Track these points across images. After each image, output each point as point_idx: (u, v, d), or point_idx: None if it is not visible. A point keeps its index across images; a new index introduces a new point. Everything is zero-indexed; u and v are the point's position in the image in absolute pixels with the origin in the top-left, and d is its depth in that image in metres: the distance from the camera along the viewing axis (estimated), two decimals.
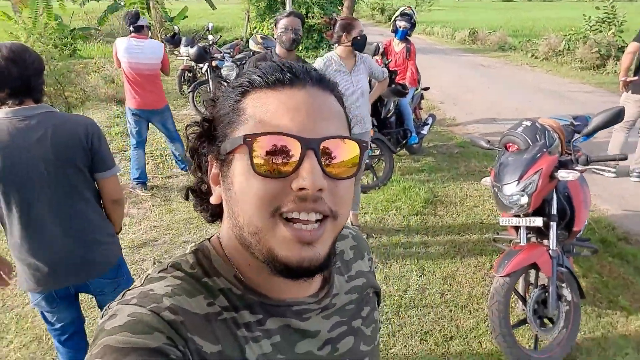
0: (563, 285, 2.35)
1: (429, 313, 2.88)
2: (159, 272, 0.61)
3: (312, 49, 13.60)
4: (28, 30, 8.15)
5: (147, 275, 0.61)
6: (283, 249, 0.54)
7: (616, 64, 10.88)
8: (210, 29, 7.43)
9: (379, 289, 0.82)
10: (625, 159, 2.22)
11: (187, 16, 15.52)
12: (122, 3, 14.78)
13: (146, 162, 5.32)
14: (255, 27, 14.05)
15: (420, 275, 3.23)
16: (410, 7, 5.09)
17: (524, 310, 2.45)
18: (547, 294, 2.31)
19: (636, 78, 4.63)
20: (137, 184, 4.64)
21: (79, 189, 1.80)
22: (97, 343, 0.51)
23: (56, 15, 13.11)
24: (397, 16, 4.97)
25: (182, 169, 5.14)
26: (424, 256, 3.47)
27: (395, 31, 5.03)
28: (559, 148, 2.54)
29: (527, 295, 2.49)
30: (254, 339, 0.59)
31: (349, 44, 3.09)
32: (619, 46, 11.13)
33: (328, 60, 3.19)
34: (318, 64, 3.21)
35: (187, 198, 0.70)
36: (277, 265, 0.55)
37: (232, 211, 0.58)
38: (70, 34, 13.40)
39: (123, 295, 0.58)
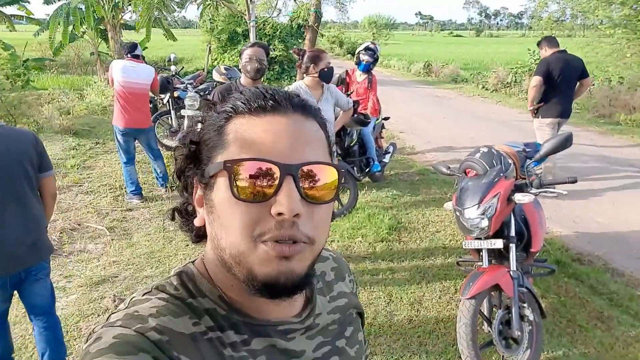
0: (525, 305, 2.43)
1: (399, 339, 2.88)
2: (143, 295, 0.61)
3: (274, 80, 13.80)
4: None
5: (132, 298, 0.61)
6: (261, 266, 0.55)
7: None
8: (172, 59, 7.43)
9: (362, 310, 0.83)
10: (575, 181, 2.37)
11: (147, 47, 15.43)
12: (78, 34, 14.56)
13: (105, 194, 5.19)
14: (216, 59, 14.15)
15: (388, 302, 3.25)
16: (374, 43, 5.31)
17: (489, 331, 2.51)
18: (510, 315, 2.38)
19: (542, 104, 5.29)
20: (134, 195, 5.03)
21: (34, 184, 2.24)
22: None
23: (8, 45, 12.75)
24: (361, 50, 5.17)
25: (161, 186, 5.39)
26: (391, 282, 3.50)
27: (358, 63, 5.21)
28: (514, 173, 2.67)
29: (491, 316, 2.55)
30: (240, 358, 0.59)
31: (317, 75, 3.19)
32: None
33: (296, 89, 3.29)
34: None
35: (173, 218, 0.72)
36: (255, 284, 0.56)
37: (214, 234, 0.60)
38: (23, 65, 13.01)
39: (107, 319, 0.57)
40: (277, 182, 0.55)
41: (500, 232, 2.55)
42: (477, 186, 2.50)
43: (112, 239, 4.19)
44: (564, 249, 4.06)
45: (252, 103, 0.59)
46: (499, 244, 2.46)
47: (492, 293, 2.56)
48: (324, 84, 3.31)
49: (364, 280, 3.51)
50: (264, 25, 12.17)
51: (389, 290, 3.38)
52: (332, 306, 0.75)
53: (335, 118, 3.68)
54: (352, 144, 4.94)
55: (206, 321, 0.60)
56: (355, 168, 4.91)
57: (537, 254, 2.75)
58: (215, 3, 4.01)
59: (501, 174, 2.48)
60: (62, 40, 13.83)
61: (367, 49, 5.13)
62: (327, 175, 0.58)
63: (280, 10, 11.50)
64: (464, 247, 2.66)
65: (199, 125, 0.64)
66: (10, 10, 14.74)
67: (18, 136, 2.18)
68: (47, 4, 14.11)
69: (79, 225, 4.44)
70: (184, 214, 0.70)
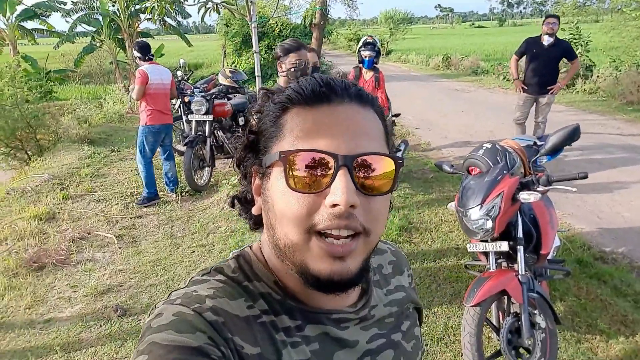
0: (536, 311, 2.25)
1: None
2: (202, 275, 0.63)
3: None
4: None
5: (192, 278, 0.63)
6: (315, 262, 0.56)
7: (585, 82, 11.16)
8: (182, 65, 7.43)
9: (420, 305, 0.82)
10: (585, 177, 2.17)
11: (163, 54, 15.65)
12: (98, 44, 14.87)
13: (116, 202, 5.21)
14: (233, 62, 14.17)
15: None
16: (372, 37, 5.15)
17: (499, 340, 2.34)
18: (520, 322, 2.21)
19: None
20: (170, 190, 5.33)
21: None
22: (144, 340, 0.53)
23: (29, 57, 13.08)
24: (360, 47, 5.04)
25: (171, 191, 5.37)
26: None
27: (361, 61, 5.07)
28: (522, 169, 2.49)
29: (500, 324, 2.38)
30: (292, 344, 0.59)
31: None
32: (587, 65, 11.45)
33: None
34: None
35: (232, 205, 0.73)
36: (309, 278, 0.57)
37: (270, 223, 0.60)
38: (45, 77, 13.36)
39: (169, 296, 0.60)
40: (331, 172, 0.54)
41: (507, 234, 2.37)
42: (480, 185, 2.33)
43: (119, 247, 4.19)
44: (585, 247, 3.81)
45: (308, 93, 0.59)
46: (504, 246, 2.29)
47: (502, 299, 2.39)
48: None
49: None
50: (275, 25, 12.11)
51: None
52: (388, 299, 0.74)
53: None
54: None
55: (261, 305, 0.60)
56: None
57: (549, 256, 2.55)
58: (215, 6, 3.99)
59: (505, 171, 2.31)
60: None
61: (366, 43, 4.99)
62: (384, 166, 0.57)
63: (289, 8, 11.39)
64: (468, 249, 2.50)
65: (257, 115, 0.65)
66: (31, 24, 15.16)
67: None
68: (66, 16, 14.42)
69: (88, 234, 4.46)
70: (243, 201, 0.71)
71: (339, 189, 0.53)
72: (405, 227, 4.25)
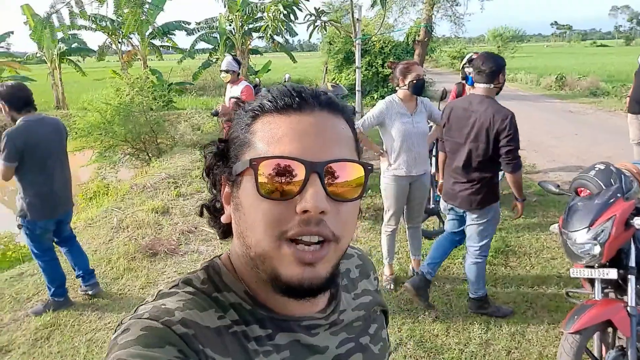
0: None
1: None
2: (170, 288, 0.62)
3: None
4: (129, 85, 9.19)
5: (159, 291, 0.62)
6: (285, 269, 0.56)
7: None
8: (287, 79, 7.89)
9: (386, 308, 0.83)
10: None
11: (270, 69, 16.61)
12: (214, 60, 16.26)
13: None
14: (334, 78, 14.62)
15: (485, 330, 2.99)
16: (477, 53, 5.04)
17: None
18: (625, 357, 2.02)
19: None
20: None
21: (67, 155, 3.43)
22: (110, 357, 0.52)
23: (156, 71, 14.67)
24: (464, 64, 4.96)
25: None
26: None
27: (465, 78, 4.99)
28: (639, 195, 2.29)
29: (602, 357, 2.19)
30: (264, 352, 0.60)
31: (406, 87, 3.14)
32: None
33: (390, 102, 3.25)
34: (380, 105, 3.28)
35: (201, 215, 0.72)
36: (280, 285, 0.57)
37: (241, 231, 0.60)
38: (168, 88, 14.91)
39: (136, 310, 0.59)
40: (302, 179, 0.54)
41: (617, 261, 2.19)
42: (589, 207, 2.19)
43: (221, 243, 4.53)
44: None
45: (279, 101, 0.59)
46: (612, 274, 2.11)
47: (607, 330, 2.20)
48: (418, 96, 3.24)
49: (460, 304, 3.28)
50: (377, 42, 12.29)
51: (487, 317, 3.10)
52: (356, 303, 0.74)
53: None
54: None
55: (231, 315, 0.60)
56: None
57: None
58: (323, 24, 4.24)
59: (618, 194, 2.14)
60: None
61: (470, 60, 4.89)
62: (353, 172, 0.58)
63: (393, 26, 11.56)
64: (570, 275, 2.34)
65: (228, 124, 0.66)
66: (159, 41, 17.08)
67: (58, 123, 3.40)
68: (189, 35, 16.03)
69: (195, 228, 4.90)
70: (212, 210, 0.70)
71: (310, 196, 0.53)
72: (502, 249, 4.05)
